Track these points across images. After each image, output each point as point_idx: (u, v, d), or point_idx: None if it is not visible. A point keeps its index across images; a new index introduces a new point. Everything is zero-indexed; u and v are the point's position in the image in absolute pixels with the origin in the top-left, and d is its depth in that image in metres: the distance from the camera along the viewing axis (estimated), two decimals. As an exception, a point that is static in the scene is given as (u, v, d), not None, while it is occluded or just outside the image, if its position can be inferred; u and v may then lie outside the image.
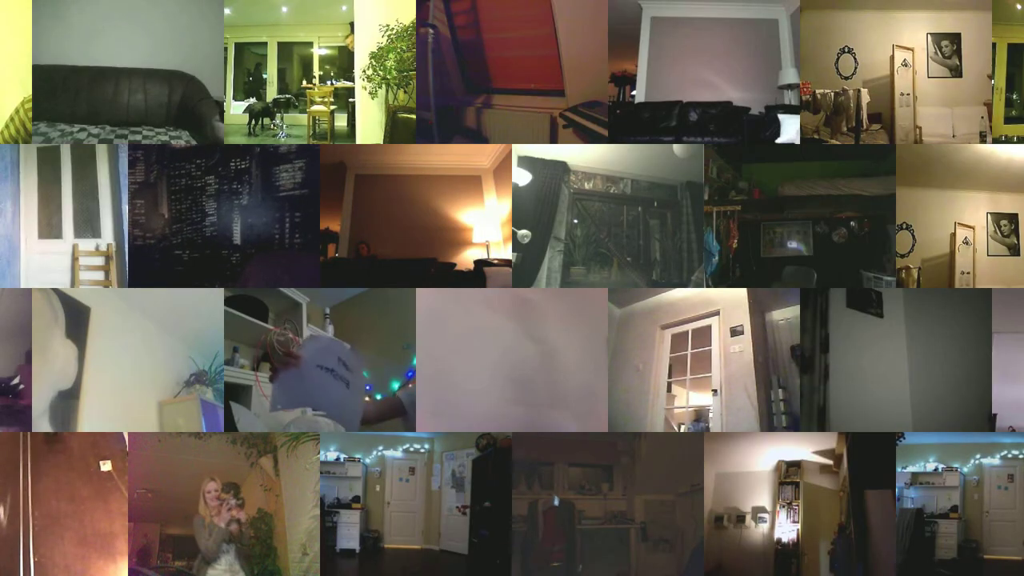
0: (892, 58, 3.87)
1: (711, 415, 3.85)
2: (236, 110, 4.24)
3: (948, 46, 3.88)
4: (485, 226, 4.33)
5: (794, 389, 3.80)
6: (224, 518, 3.58)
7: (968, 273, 3.87)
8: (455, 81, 3.94)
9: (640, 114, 3.85)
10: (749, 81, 3.92)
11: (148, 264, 3.79)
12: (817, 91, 3.83)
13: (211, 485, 3.59)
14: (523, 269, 3.76)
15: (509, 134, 3.87)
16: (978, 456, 3.80)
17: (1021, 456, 3.74)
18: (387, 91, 4.03)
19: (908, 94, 3.87)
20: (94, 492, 3.54)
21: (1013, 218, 3.93)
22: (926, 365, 3.65)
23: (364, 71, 4.02)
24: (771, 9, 3.92)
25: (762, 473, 3.69)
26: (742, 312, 3.89)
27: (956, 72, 3.90)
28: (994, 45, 3.84)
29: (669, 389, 4.08)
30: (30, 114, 3.73)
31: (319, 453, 3.67)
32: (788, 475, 3.67)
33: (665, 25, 3.84)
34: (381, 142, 3.98)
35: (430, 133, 3.78)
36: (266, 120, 4.19)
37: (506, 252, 3.93)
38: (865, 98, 3.84)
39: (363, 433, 3.73)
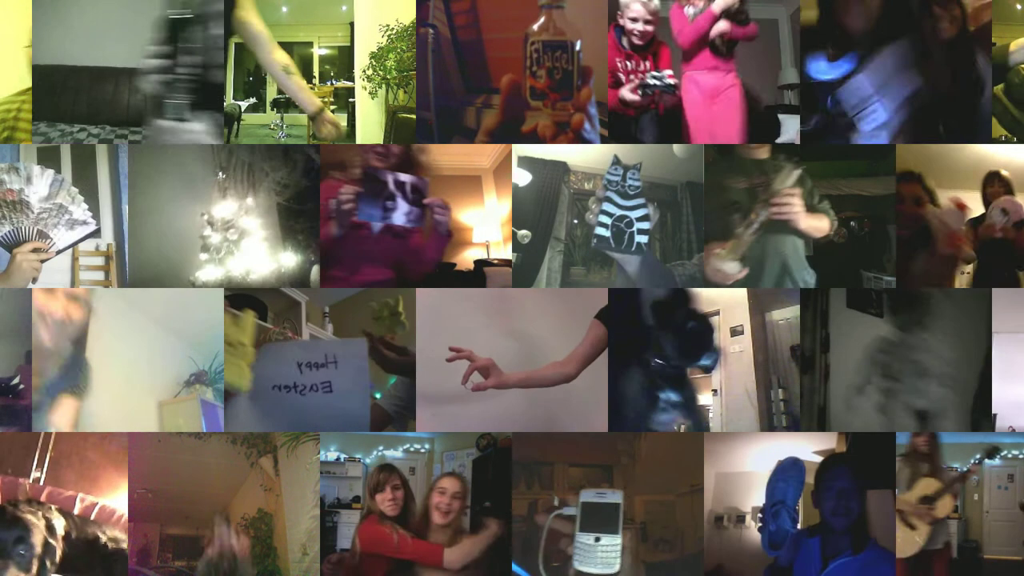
0: (892, 58, 3.86)
1: (711, 415, 3.85)
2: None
3: (948, 46, 3.88)
4: (485, 226, 4.33)
5: (794, 389, 3.80)
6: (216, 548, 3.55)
7: (968, 273, 3.86)
8: (455, 81, 3.93)
9: (640, 114, 3.85)
10: (749, 81, 3.91)
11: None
12: (817, 91, 3.83)
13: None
14: (523, 269, 3.77)
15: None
16: (978, 456, 3.80)
17: (1021, 456, 3.74)
18: (387, 91, 4.03)
19: (908, 94, 3.86)
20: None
21: (1013, 218, 3.93)
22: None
23: (364, 71, 4.02)
24: (771, 9, 3.92)
25: (762, 473, 3.68)
26: (742, 312, 3.89)
27: (956, 72, 3.89)
28: (994, 44, 3.83)
29: (669, 389, 4.08)
30: (29, 108, 3.73)
31: (319, 453, 3.67)
32: (788, 475, 3.67)
33: (665, 25, 3.83)
34: (381, 142, 3.98)
35: (430, 133, 3.78)
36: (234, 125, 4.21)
37: (506, 252, 3.94)
38: (865, 98, 3.83)
39: (363, 433, 3.73)
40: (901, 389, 3.65)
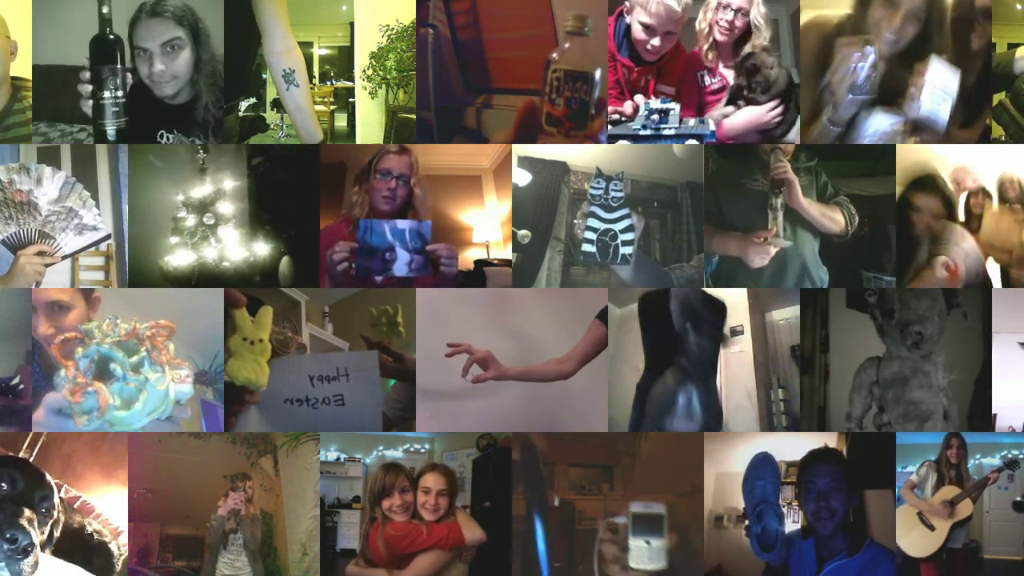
0: (892, 58, 3.86)
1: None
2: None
3: (948, 46, 3.88)
4: (485, 226, 4.32)
5: (794, 389, 3.80)
6: (227, 507, 3.58)
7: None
8: (455, 81, 3.93)
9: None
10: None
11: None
12: (817, 91, 3.83)
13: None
14: (523, 269, 3.76)
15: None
16: (978, 456, 3.80)
17: (1021, 456, 3.74)
18: (387, 91, 4.03)
19: (908, 94, 3.86)
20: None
21: (1013, 218, 3.93)
22: (926, 365, 3.67)
23: (364, 71, 4.02)
24: (771, 9, 3.92)
25: (762, 473, 3.68)
26: (742, 312, 3.89)
27: (956, 71, 3.89)
28: (994, 45, 3.84)
29: (669, 389, 4.07)
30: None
31: (319, 453, 3.67)
32: (788, 475, 3.67)
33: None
34: (381, 142, 3.98)
35: (430, 133, 3.78)
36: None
37: (506, 252, 3.93)
38: (865, 98, 3.83)
39: (363, 433, 3.73)
40: (901, 414, 3.67)
